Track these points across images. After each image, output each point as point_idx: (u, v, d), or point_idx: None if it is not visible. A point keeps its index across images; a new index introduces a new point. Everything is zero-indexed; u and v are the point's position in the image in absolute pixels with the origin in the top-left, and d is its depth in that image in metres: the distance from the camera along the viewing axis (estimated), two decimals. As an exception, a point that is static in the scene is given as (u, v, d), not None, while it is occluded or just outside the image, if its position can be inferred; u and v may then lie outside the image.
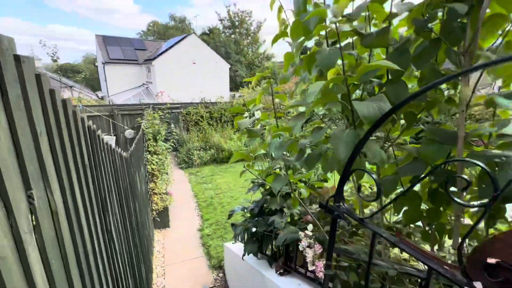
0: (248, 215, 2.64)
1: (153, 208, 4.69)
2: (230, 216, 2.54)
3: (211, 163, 8.89)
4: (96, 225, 1.26)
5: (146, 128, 4.62)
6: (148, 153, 4.65)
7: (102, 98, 21.93)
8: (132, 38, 23.63)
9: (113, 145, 1.94)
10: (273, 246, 2.24)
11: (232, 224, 3.58)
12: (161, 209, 4.81)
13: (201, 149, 9.02)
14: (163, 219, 4.93)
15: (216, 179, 7.33)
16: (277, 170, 2.10)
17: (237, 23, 40.51)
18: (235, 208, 2.66)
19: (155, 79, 18.29)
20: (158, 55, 18.90)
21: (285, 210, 2.06)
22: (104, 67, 20.15)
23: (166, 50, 19.43)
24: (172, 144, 5.57)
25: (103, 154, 1.49)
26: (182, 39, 20.30)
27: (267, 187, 2.45)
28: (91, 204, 1.21)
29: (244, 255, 2.28)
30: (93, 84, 37.91)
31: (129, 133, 5.85)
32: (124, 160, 2.32)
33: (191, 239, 4.58)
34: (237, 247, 3.14)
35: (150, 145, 4.75)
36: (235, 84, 35.19)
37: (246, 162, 2.03)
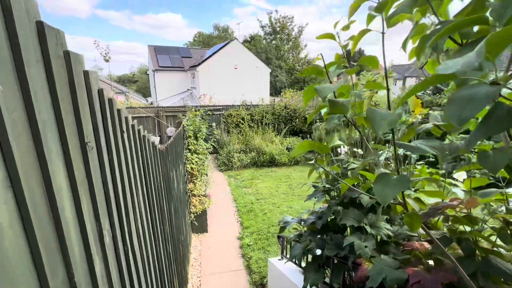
0: (303, 228, 2.06)
1: (191, 210, 4.38)
2: (282, 229, 1.99)
3: (251, 166, 8.48)
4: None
5: (187, 125, 4.38)
6: (188, 151, 4.38)
7: (151, 103, 23.46)
8: (179, 47, 25.00)
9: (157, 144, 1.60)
10: (349, 281, 1.61)
11: (279, 237, 3.02)
12: (200, 212, 4.48)
13: (241, 152, 8.68)
14: (201, 223, 4.60)
15: (257, 184, 6.86)
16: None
17: (278, 29, 40.50)
18: (288, 218, 2.10)
19: (198, 84, 18.86)
20: (202, 62, 19.53)
21: (367, 228, 1.43)
22: (154, 74, 21.56)
23: (210, 56, 20.00)
24: (212, 144, 5.29)
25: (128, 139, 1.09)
26: (225, 45, 20.71)
27: (334, 193, 1.85)
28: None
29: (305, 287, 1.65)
30: (145, 92, 41.33)
31: (170, 130, 5.73)
32: (159, 153, 1.95)
33: (230, 248, 4.12)
34: (286, 266, 2.57)
35: (191, 143, 4.48)
36: (275, 89, 34.92)
37: (293, 166, 1.46)
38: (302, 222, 1.97)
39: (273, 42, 40.75)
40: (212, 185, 6.46)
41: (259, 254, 3.81)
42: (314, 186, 1.93)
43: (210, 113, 8.84)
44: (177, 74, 22.23)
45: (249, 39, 40.57)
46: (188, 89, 21.77)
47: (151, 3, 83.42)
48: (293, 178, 7.14)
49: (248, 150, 8.78)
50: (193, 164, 4.51)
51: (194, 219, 4.43)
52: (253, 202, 5.69)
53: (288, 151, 8.74)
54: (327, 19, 71.87)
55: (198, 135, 4.64)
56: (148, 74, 27.13)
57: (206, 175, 5.39)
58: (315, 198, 1.86)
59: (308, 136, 10.20)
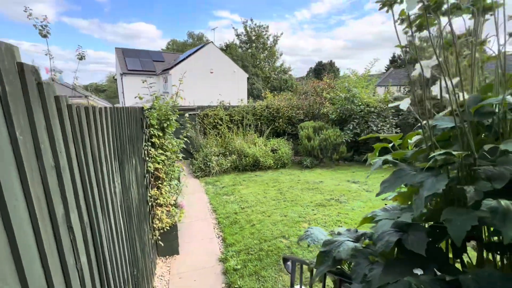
0: (332, 237, 1.10)
1: (155, 225, 3.21)
2: (323, 257, 0.99)
3: (232, 170, 7.41)
4: None
5: (148, 109, 3.28)
6: (150, 145, 3.25)
7: (118, 110, 21.52)
8: (150, 51, 23.54)
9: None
10: None
11: (287, 260, 2.02)
12: (168, 227, 3.32)
13: (220, 155, 7.60)
14: (169, 243, 3.43)
15: (240, 190, 5.80)
16: None
17: (253, 38, 40.48)
18: (321, 234, 1.14)
19: (171, 89, 17.54)
20: (175, 65, 18.33)
21: None
22: (122, 78, 19.83)
23: (184, 59, 18.87)
24: (184, 137, 4.20)
25: None
26: (200, 48, 19.75)
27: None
28: None
29: None
30: (115, 101, 38.63)
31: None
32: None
33: (209, 276, 3.01)
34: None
35: (154, 134, 3.37)
36: (252, 97, 34.34)
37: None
38: (365, 239, 1.00)
39: (249, 50, 40.57)
40: (186, 193, 5.30)
41: (252, 283, 2.74)
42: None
43: (183, 113, 7.69)
44: (147, 78, 20.71)
45: (225, 48, 39.99)
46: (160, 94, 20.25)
47: (122, 13, 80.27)
48: (282, 182, 6.19)
49: (228, 153, 7.72)
50: (158, 163, 3.38)
51: (159, 238, 3.26)
52: (237, 212, 4.62)
53: (273, 153, 7.82)
54: (299, 34, 74.15)
55: (164, 125, 3.54)
56: (115, 79, 25.14)
57: (178, 180, 4.26)
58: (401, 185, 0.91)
59: (293, 137, 9.41)
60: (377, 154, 1.35)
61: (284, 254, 2.86)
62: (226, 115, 9.30)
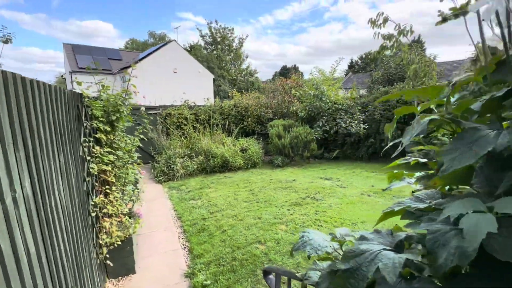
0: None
1: (101, 242, 2.59)
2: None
3: (200, 173, 6.84)
4: None
5: (88, 98, 2.65)
6: (93, 141, 2.62)
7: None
8: (106, 48, 21.63)
9: None
10: None
11: (267, 273, 1.62)
12: (119, 242, 2.72)
13: (186, 157, 6.98)
14: (123, 260, 2.82)
15: (208, 193, 5.29)
16: None
17: (219, 39, 39.89)
18: (365, 239, 0.75)
19: (130, 89, 16.19)
20: (135, 63, 17.01)
21: None
22: (71, 77, 17.82)
23: (144, 57, 17.62)
24: (141, 135, 3.60)
25: None
26: (161, 46, 18.67)
27: None
28: None
29: None
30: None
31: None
32: None
33: (173, 297, 2.48)
34: None
35: (99, 128, 2.75)
36: (220, 98, 33.67)
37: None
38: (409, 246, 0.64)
39: (214, 52, 39.89)
40: (146, 200, 4.66)
41: (225, 301, 2.29)
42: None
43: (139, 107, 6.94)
44: (102, 77, 18.92)
45: (189, 49, 38.72)
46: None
47: (73, 9, 73.19)
48: (254, 182, 5.81)
49: (194, 154, 7.13)
50: (105, 164, 2.76)
51: (107, 255, 2.63)
52: (206, 218, 4.12)
53: (243, 152, 7.43)
54: (263, 38, 75.18)
55: (113, 118, 2.93)
56: (64, 78, 22.60)
57: (134, 184, 3.63)
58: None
59: (263, 137, 9.13)
60: (395, 124, 1.04)
61: (266, 266, 2.46)
62: (191, 114, 8.68)
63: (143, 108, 4.15)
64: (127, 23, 73.53)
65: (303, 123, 8.12)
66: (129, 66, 16.71)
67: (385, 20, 7.02)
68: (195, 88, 18.95)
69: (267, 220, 3.80)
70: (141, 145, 3.92)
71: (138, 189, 3.79)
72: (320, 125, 7.91)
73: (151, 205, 4.82)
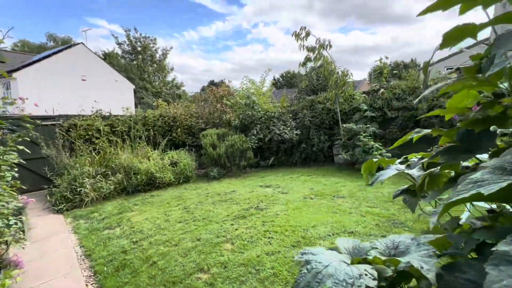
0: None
1: None
2: None
3: (119, 194, 5.61)
4: None
5: None
6: None
7: None
8: (-20, 47, 16.77)
9: None
10: None
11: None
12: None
13: (99, 176, 5.64)
14: None
15: (130, 218, 4.27)
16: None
17: (139, 49, 36.79)
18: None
19: (17, 96, 12.81)
20: (22, 67, 13.64)
21: None
22: None
23: (39, 60, 14.38)
24: (13, 148, 2.49)
25: None
26: (65, 49, 15.72)
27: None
28: None
29: None
30: None
31: None
32: None
33: None
34: None
35: None
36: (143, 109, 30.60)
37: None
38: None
39: (134, 62, 36.53)
40: (37, 238, 3.40)
41: None
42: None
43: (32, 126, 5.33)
44: (-26, 83, 14.45)
45: (103, 56, 34.21)
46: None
47: None
48: (188, 199, 5.07)
49: (110, 172, 5.84)
50: None
51: None
52: (127, 250, 3.20)
53: (173, 166, 6.55)
54: (189, 53, 73.84)
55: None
56: None
57: (7, 219, 2.49)
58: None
59: (195, 148, 8.40)
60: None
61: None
62: (106, 125, 7.27)
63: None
64: (23, 22, 59.93)
65: (238, 132, 7.84)
66: (17, 70, 13.38)
67: (307, 34, 7.54)
68: (112, 98, 16.57)
69: (208, 240, 3.20)
70: (22, 162, 2.76)
71: (17, 224, 2.62)
72: (255, 133, 7.78)
73: (45, 244, 3.51)
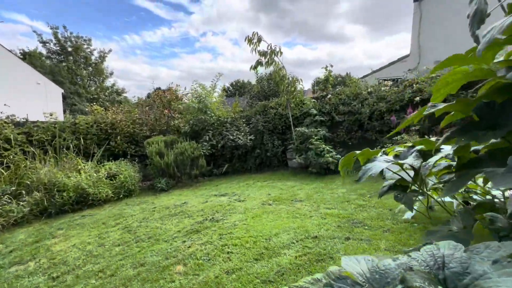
0: None
1: None
2: None
3: (37, 218, 4.52)
4: None
5: None
6: None
7: None
8: None
9: None
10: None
11: None
12: None
13: (6, 197, 4.46)
14: None
15: (51, 247, 3.40)
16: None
17: (70, 49, 32.47)
18: None
19: None
20: None
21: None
22: None
23: None
24: None
25: None
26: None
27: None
28: None
29: None
30: None
31: None
32: None
33: None
34: None
35: None
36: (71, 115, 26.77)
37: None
38: None
39: (64, 64, 32.08)
40: None
41: None
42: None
43: None
44: None
45: (22, 56, 29.06)
46: None
47: None
48: (130, 216, 4.34)
49: (24, 191, 4.69)
50: None
51: None
52: (43, 290, 2.45)
53: (112, 179, 5.64)
54: (132, 58, 68.57)
55: None
56: None
57: None
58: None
59: (139, 158, 7.50)
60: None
61: None
62: (19, 134, 5.93)
63: None
64: None
65: (188, 139, 7.28)
66: None
67: (259, 39, 7.53)
68: (33, 103, 14.02)
69: (155, 264, 2.67)
70: None
71: None
72: (207, 139, 7.34)
73: None
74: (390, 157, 1.05)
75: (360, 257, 0.63)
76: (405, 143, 5.81)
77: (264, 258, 2.49)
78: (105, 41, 58.05)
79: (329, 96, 7.25)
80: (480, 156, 0.69)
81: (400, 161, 0.92)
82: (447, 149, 0.92)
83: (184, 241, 3.13)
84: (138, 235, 3.49)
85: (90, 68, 35.02)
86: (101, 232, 3.73)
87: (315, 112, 7.08)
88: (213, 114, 7.83)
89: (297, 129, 6.88)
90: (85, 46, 34.20)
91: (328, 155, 6.06)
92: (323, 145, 6.27)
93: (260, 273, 2.25)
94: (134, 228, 3.75)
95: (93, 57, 35.09)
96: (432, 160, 0.78)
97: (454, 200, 1.58)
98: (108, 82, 37.35)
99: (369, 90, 6.63)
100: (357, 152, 1.13)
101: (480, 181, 1.14)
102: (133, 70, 67.92)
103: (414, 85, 5.99)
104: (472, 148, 0.78)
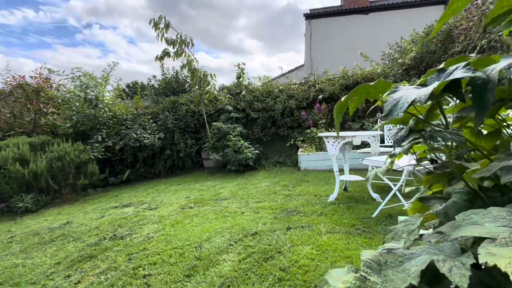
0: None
1: None
2: None
3: None
4: None
5: None
6: None
7: None
8: None
9: None
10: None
11: None
12: None
13: None
14: None
15: None
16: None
17: None
18: None
19: None
20: None
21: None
22: None
23: None
24: None
25: None
26: None
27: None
28: None
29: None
30: None
31: None
32: None
33: None
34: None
35: None
36: None
37: None
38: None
39: None
40: None
41: None
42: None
43: None
44: None
45: None
46: None
47: None
48: (17, 234, 2.69)
49: None
50: None
51: None
52: None
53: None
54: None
55: None
56: None
57: None
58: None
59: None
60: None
61: None
62: None
63: None
64: None
65: (71, 140, 5.52)
66: None
67: (167, 25, 6.62)
68: None
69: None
70: None
71: None
72: (100, 140, 5.79)
73: None
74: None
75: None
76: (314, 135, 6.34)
77: (199, 271, 1.88)
78: None
79: (243, 92, 7.15)
80: None
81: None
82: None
83: (68, 276, 2.08)
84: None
85: None
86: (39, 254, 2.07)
87: (230, 108, 6.81)
88: (107, 109, 6.30)
89: (214, 123, 6.40)
90: None
91: (246, 150, 5.88)
92: (241, 142, 6.05)
93: (196, 294, 1.64)
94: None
95: None
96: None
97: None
98: None
99: (280, 88, 6.93)
100: (370, 84, 0.80)
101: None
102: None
103: (317, 85, 6.65)
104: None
